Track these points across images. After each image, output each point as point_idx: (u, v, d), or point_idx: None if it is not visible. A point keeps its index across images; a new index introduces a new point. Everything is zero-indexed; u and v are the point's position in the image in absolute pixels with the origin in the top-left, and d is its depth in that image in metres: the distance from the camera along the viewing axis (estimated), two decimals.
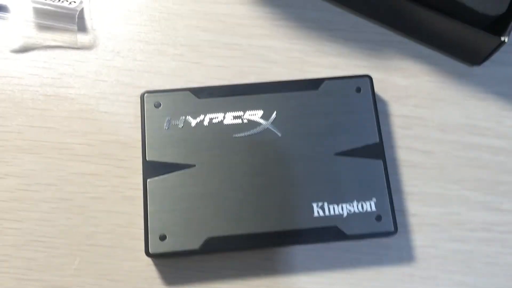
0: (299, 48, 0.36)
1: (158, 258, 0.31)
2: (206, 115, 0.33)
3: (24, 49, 0.35)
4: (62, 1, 0.35)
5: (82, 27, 0.36)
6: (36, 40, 0.36)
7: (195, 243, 0.30)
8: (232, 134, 0.32)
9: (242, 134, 0.32)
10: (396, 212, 0.31)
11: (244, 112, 0.33)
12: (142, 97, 0.33)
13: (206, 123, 0.32)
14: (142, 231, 0.31)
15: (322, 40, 0.36)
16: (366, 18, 0.37)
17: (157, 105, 0.33)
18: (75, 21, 0.35)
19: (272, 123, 0.33)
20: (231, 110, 0.33)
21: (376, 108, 0.33)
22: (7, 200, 0.32)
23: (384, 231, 0.31)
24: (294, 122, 0.33)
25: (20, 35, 0.36)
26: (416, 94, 0.35)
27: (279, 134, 0.32)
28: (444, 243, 0.32)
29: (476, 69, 0.36)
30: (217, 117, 0.33)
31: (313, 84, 0.34)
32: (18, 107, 0.34)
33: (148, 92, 0.33)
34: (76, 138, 0.34)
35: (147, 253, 0.30)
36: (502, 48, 0.33)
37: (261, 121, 0.33)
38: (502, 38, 0.32)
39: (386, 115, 0.35)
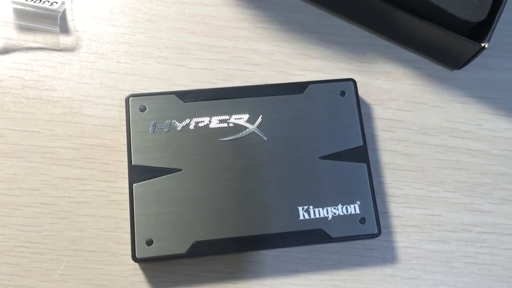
0: (283, 51, 0.36)
1: (144, 262, 0.31)
2: (192, 119, 0.33)
3: (5, 51, 0.35)
4: (44, 2, 0.34)
5: (64, 29, 0.36)
6: (17, 41, 0.35)
7: (182, 248, 0.30)
8: (218, 138, 0.32)
9: (228, 138, 0.32)
10: (379, 214, 0.32)
11: (230, 116, 0.33)
12: (127, 100, 0.33)
13: (192, 127, 0.32)
14: (128, 236, 0.31)
15: (306, 43, 0.37)
16: (350, 21, 0.37)
17: (142, 109, 0.33)
18: (57, 22, 0.35)
19: (258, 126, 0.33)
20: (217, 114, 0.33)
21: (360, 112, 0.34)
22: None
23: (368, 234, 0.31)
24: (279, 125, 0.33)
25: (1, 37, 0.35)
26: (399, 97, 0.36)
27: (265, 138, 0.33)
28: (425, 244, 0.33)
29: (457, 73, 0.37)
30: (203, 121, 0.33)
31: (298, 87, 0.34)
32: (0, 110, 0.34)
33: (133, 95, 0.33)
34: (59, 141, 0.33)
35: (134, 258, 0.30)
36: (483, 53, 0.33)
37: (247, 125, 0.33)
38: (483, 44, 0.32)
39: (370, 118, 0.35)
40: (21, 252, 0.31)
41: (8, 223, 0.32)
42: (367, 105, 0.35)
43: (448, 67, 0.37)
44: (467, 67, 0.36)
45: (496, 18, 0.32)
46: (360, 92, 0.35)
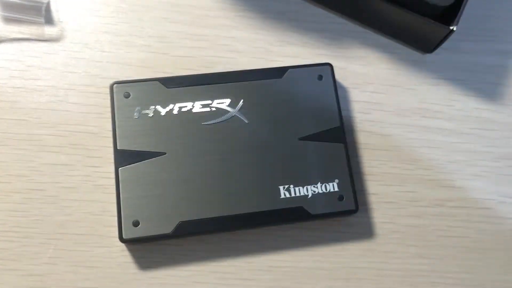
0: (263, 38, 0.38)
1: (131, 243, 0.32)
2: (175, 104, 0.34)
3: None
4: None
5: (49, 19, 0.36)
6: (2, 33, 0.36)
7: (167, 228, 0.31)
8: (201, 122, 0.34)
9: (210, 122, 0.34)
10: (357, 192, 0.33)
11: (212, 100, 0.34)
12: (111, 87, 0.34)
13: (175, 112, 0.34)
14: (115, 218, 0.32)
15: (285, 30, 0.38)
16: (327, 9, 0.39)
17: (127, 95, 0.34)
18: (42, 13, 0.35)
19: (239, 110, 0.34)
20: (199, 99, 0.34)
21: (337, 95, 0.35)
22: None
23: (346, 210, 0.33)
24: (260, 109, 0.34)
25: None
26: (374, 81, 0.37)
27: (246, 121, 0.34)
28: (401, 219, 0.34)
29: (429, 56, 0.38)
30: (186, 106, 0.34)
31: (278, 72, 0.35)
32: None
33: (117, 82, 0.34)
34: (46, 129, 0.34)
35: (121, 238, 0.31)
36: (452, 37, 0.35)
37: (229, 109, 0.34)
38: (451, 27, 0.34)
39: (347, 101, 0.37)
40: (11, 237, 0.32)
41: None
42: (344, 89, 0.37)
43: (420, 51, 0.38)
44: (438, 51, 0.37)
45: (464, 1, 0.34)
46: (337, 77, 0.36)
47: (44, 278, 0.32)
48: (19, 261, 0.32)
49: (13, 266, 0.32)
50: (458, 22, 0.34)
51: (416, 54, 0.38)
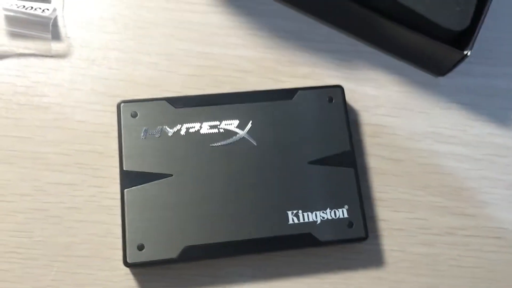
0: (272, 58, 0.37)
1: (136, 267, 0.31)
2: (182, 124, 0.33)
3: None
4: (35, 9, 0.35)
5: (56, 35, 0.36)
6: (8, 48, 0.35)
7: (173, 252, 0.31)
8: (209, 143, 0.33)
9: (218, 144, 0.33)
10: (367, 217, 0.33)
11: (221, 121, 0.33)
12: (118, 106, 0.33)
13: (183, 132, 0.33)
14: (120, 241, 0.31)
15: (295, 50, 0.37)
16: (338, 29, 0.38)
17: (134, 115, 0.33)
18: (49, 29, 0.35)
19: (248, 132, 0.33)
20: (207, 120, 0.33)
21: (348, 118, 0.34)
22: None
23: (356, 237, 0.32)
24: (269, 131, 0.34)
25: None
26: (385, 103, 0.37)
27: (255, 143, 0.33)
28: (411, 247, 0.34)
29: (441, 80, 0.38)
30: (194, 127, 0.33)
31: (287, 94, 0.35)
32: None
33: (125, 101, 0.33)
34: (51, 147, 0.34)
35: (125, 263, 0.30)
36: (466, 59, 0.34)
37: (237, 130, 0.33)
38: (465, 52, 0.33)
39: (357, 124, 0.36)
40: (12, 258, 0.31)
41: (0, 229, 0.32)
42: (354, 111, 0.36)
43: (433, 74, 0.37)
44: (451, 74, 0.37)
45: (478, 26, 0.33)
46: (347, 98, 0.35)
47: None
48: (21, 284, 0.31)
49: None
50: (472, 47, 0.33)
51: (428, 77, 0.38)
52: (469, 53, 0.33)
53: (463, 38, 0.34)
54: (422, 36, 0.34)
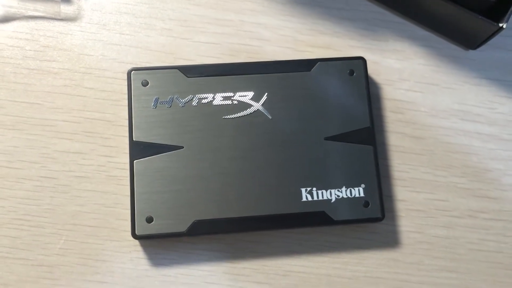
0: (292, 26, 0.35)
1: (144, 239, 0.31)
2: (195, 95, 0.32)
3: (5, 19, 0.34)
4: None
5: None
6: (17, 9, 0.34)
7: (182, 226, 0.30)
8: (222, 115, 0.32)
9: (231, 116, 0.32)
10: (384, 197, 0.31)
11: (235, 93, 0.32)
12: (129, 74, 0.32)
13: (195, 103, 0.32)
14: (128, 212, 0.30)
15: (316, 18, 0.35)
16: None
17: (145, 84, 0.32)
18: None
19: (263, 105, 0.32)
20: (221, 91, 0.32)
21: (369, 92, 0.32)
22: None
23: (372, 217, 0.31)
24: (285, 104, 0.32)
25: (1, 5, 0.34)
26: (410, 77, 0.35)
27: (270, 117, 0.32)
28: (429, 229, 0.32)
29: (472, 53, 0.35)
30: (207, 98, 0.32)
31: (306, 65, 0.33)
32: (0, 81, 0.33)
33: (135, 69, 0.32)
34: (60, 114, 0.33)
35: (134, 235, 0.30)
36: (500, 33, 0.32)
37: (252, 102, 0.32)
38: (500, 24, 0.31)
39: (378, 98, 0.34)
40: (21, 225, 0.31)
41: (8, 196, 0.31)
42: (376, 85, 0.34)
43: (463, 47, 0.35)
44: (482, 48, 0.34)
45: None
46: (369, 71, 0.33)
47: (54, 269, 0.31)
48: (29, 251, 0.31)
49: (23, 255, 0.31)
50: (508, 19, 0.31)
51: (458, 50, 0.35)
52: (504, 26, 0.31)
53: (499, 10, 0.31)
54: (455, 5, 0.31)
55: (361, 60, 0.33)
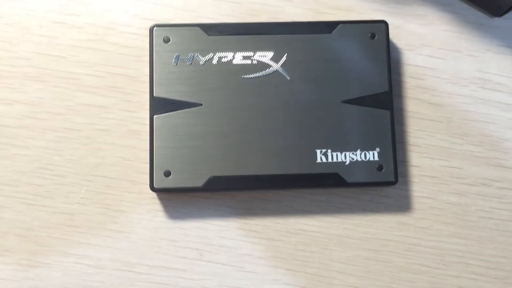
0: None
1: (162, 192, 0.32)
2: (215, 53, 0.32)
3: None
4: None
5: None
6: None
7: (198, 181, 0.31)
8: (241, 75, 0.32)
9: (251, 76, 0.32)
10: (398, 162, 0.32)
11: (254, 52, 0.32)
12: (151, 30, 0.32)
13: (215, 61, 0.32)
14: (147, 166, 0.31)
15: None
16: None
17: (166, 40, 0.32)
18: None
19: (282, 66, 0.32)
20: (241, 50, 0.32)
21: (389, 57, 0.32)
22: (15, 126, 0.33)
23: (385, 181, 0.31)
24: (304, 66, 0.32)
25: None
26: (432, 43, 0.34)
27: (288, 78, 0.32)
28: (442, 195, 0.33)
29: (497, 21, 0.34)
30: (227, 56, 0.32)
31: (327, 27, 0.33)
32: (25, 33, 0.34)
33: (158, 25, 0.32)
34: (83, 68, 0.33)
35: (152, 187, 0.31)
36: None
37: (271, 63, 0.32)
38: None
39: (399, 63, 0.34)
40: (44, 174, 0.32)
41: (33, 145, 0.33)
42: (397, 50, 0.34)
43: (488, 13, 0.34)
44: (508, 15, 0.34)
45: None
46: (391, 36, 0.33)
47: (74, 217, 0.32)
48: (51, 199, 0.32)
49: (45, 203, 0.32)
50: None
51: (482, 17, 0.34)
52: None
53: None
54: None
55: (383, 24, 0.33)
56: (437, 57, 0.34)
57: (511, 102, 0.34)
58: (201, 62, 0.32)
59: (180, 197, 0.32)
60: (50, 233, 0.32)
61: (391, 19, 0.34)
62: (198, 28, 0.32)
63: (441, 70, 0.34)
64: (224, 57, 0.32)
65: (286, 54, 0.32)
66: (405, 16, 0.34)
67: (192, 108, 0.31)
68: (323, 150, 0.31)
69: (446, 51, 0.34)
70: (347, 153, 0.31)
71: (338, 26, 0.33)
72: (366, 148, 0.31)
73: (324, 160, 0.31)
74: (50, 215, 0.32)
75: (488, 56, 0.34)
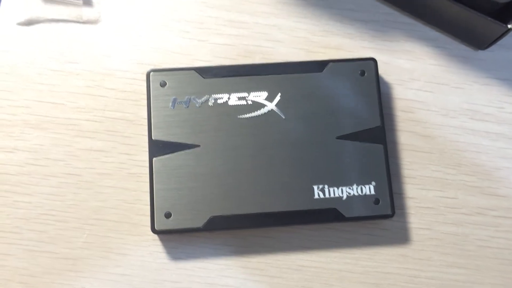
0: (305, 28, 0.36)
1: (163, 234, 0.32)
2: (211, 95, 0.33)
3: (29, 23, 0.35)
4: None
5: (87, 1, 0.36)
6: (41, 14, 0.35)
7: (199, 222, 0.31)
8: (237, 115, 0.33)
9: (246, 116, 0.33)
10: (394, 194, 0.32)
11: (249, 93, 0.33)
12: (148, 75, 0.33)
13: (211, 103, 0.33)
14: (148, 207, 0.32)
15: (328, 19, 0.36)
16: None
17: (163, 84, 0.33)
18: None
19: (276, 105, 0.33)
20: (236, 91, 0.33)
21: (380, 92, 0.33)
22: (16, 174, 0.33)
23: (382, 214, 0.32)
24: (298, 104, 0.33)
25: (25, 9, 0.35)
26: (420, 77, 0.35)
27: (283, 116, 0.33)
28: (439, 226, 0.33)
29: (481, 54, 0.36)
30: (222, 98, 0.33)
31: (318, 66, 0.34)
32: (25, 82, 0.35)
33: (154, 70, 0.33)
34: (82, 114, 0.34)
35: (153, 229, 0.31)
36: (509, 33, 0.33)
37: (266, 102, 0.33)
38: (509, 26, 0.32)
39: (389, 98, 0.35)
40: (46, 220, 0.33)
41: (35, 192, 0.33)
42: (387, 85, 0.35)
43: (473, 47, 0.36)
44: (492, 48, 0.35)
45: None
46: (380, 71, 0.34)
47: (77, 262, 0.32)
48: (54, 244, 0.33)
49: (47, 249, 0.32)
50: None
51: (467, 50, 0.36)
52: None
53: (507, 12, 0.32)
54: (464, 7, 0.32)
55: (372, 61, 0.34)
56: (426, 90, 0.35)
57: (501, 131, 0.35)
58: (197, 105, 0.33)
59: (181, 238, 0.33)
60: (53, 279, 0.32)
61: (379, 56, 0.35)
62: (193, 71, 0.33)
63: (430, 103, 0.35)
64: (220, 98, 0.33)
65: (280, 94, 0.33)
66: (393, 52, 0.36)
67: (190, 150, 0.32)
68: (320, 186, 0.32)
69: (434, 84, 0.35)
70: (344, 188, 0.32)
71: (329, 64, 0.34)
72: (362, 182, 0.32)
73: (321, 196, 0.32)
74: (53, 261, 0.32)
75: (475, 87, 0.35)
